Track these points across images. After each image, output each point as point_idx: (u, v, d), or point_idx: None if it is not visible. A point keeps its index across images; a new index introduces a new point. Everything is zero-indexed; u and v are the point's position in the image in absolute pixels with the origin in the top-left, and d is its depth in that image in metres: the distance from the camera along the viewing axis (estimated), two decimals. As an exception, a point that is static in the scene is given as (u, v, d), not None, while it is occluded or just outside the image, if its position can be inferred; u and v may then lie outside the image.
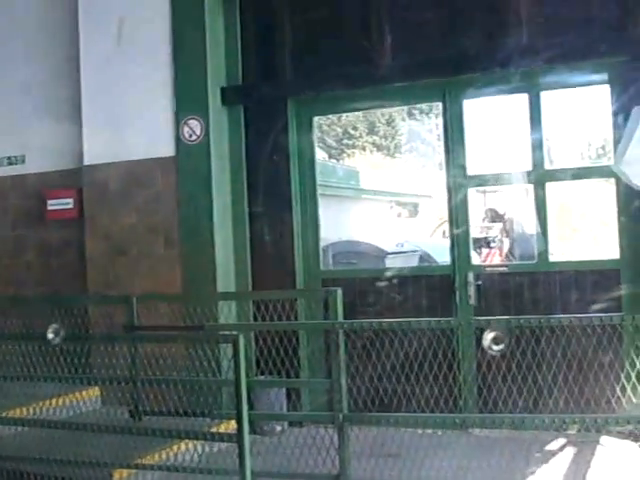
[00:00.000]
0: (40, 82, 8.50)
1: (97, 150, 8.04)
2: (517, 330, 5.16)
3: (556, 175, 7.43)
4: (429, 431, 6.83)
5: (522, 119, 7.24)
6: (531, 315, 5.55)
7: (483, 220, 18.60)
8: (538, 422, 5.06)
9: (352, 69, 7.37)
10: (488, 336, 4.91)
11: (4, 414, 6.45)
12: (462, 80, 7.12)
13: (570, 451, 6.27)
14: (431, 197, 23.69)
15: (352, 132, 31.41)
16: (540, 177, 7.03)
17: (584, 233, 19.41)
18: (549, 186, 7.05)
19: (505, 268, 7.53)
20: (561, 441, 6.41)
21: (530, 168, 7.09)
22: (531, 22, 6.84)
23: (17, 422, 6.38)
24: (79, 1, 8.07)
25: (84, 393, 7.33)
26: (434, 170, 27.97)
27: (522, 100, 7.10)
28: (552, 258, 7.24)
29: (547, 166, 7.26)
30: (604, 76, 6.79)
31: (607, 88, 6.80)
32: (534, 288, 7.01)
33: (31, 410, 6.60)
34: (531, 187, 7.18)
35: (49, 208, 8.42)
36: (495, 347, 4.85)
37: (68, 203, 8.33)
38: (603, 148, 22.29)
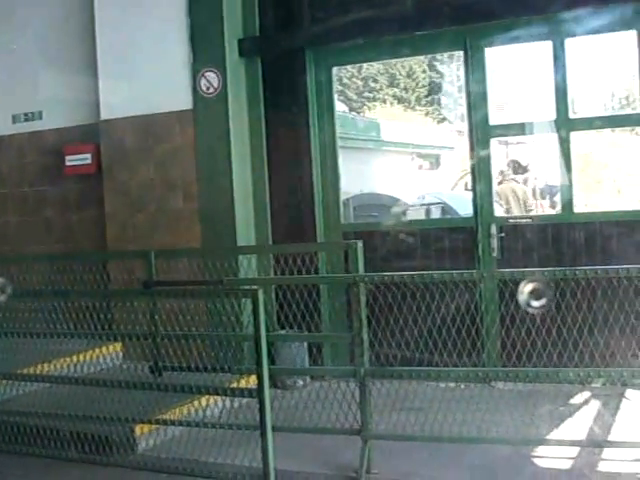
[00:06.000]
0: (56, 37, 8.39)
1: (114, 104, 7.95)
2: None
3: (581, 124, 7.27)
4: (452, 385, 6.78)
5: (546, 67, 7.07)
6: (555, 267, 5.45)
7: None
8: (563, 376, 4.99)
9: (371, 18, 7.20)
10: (525, 289, 4.31)
11: (26, 371, 6.46)
12: (485, 27, 6.96)
13: (595, 404, 6.20)
14: (453, 149, 23.49)
15: (372, 85, 31.14)
16: (565, 126, 6.88)
17: (608, 184, 19.18)
18: (573, 136, 6.91)
19: (529, 220, 7.41)
20: (585, 394, 6.35)
21: (554, 117, 6.94)
22: (555, -34, 6.65)
23: (39, 379, 6.38)
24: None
25: (105, 349, 7.33)
26: (456, 122, 27.69)
27: (546, 48, 6.92)
28: (576, 209, 7.11)
29: (571, 115, 7.10)
30: (631, 21, 6.60)
31: (634, 34, 6.62)
32: (558, 240, 6.90)
33: (52, 367, 6.61)
34: (555, 137, 7.03)
35: (67, 164, 8.36)
36: (535, 303, 4.35)
37: (86, 158, 8.27)
38: (627, 98, 21.95)
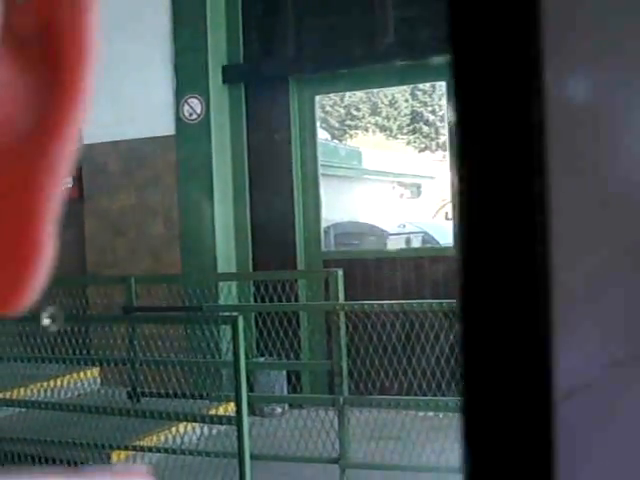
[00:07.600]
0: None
1: (96, 129, 7.90)
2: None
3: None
4: (431, 414, 6.77)
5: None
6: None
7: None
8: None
9: (355, 47, 7.26)
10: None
11: (1, 395, 6.40)
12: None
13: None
14: (434, 178, 23.60)
15: (355, 113, 31.26)
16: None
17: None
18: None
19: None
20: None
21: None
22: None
23: (15, 403, 6.33)
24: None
25: (82, 374, 7.27)
26: (437, 151, 27.85)
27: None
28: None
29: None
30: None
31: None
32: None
33: (29, 391, 6.55)
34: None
35: (48, 187, 8.32)
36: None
37: (67, 182, 8.22)
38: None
